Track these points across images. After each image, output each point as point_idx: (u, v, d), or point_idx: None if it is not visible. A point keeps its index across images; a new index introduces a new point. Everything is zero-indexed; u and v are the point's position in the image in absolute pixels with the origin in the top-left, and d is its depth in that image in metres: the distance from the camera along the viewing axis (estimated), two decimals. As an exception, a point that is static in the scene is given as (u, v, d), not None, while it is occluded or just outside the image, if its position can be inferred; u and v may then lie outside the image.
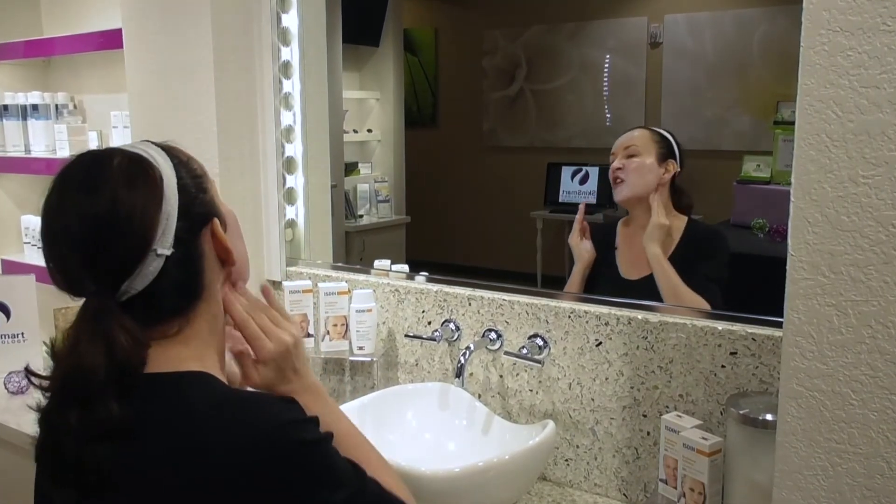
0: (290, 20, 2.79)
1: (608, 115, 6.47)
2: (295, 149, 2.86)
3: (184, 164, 1.36)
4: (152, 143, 1.38)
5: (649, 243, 2.47)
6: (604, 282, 2.61)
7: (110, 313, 1.24)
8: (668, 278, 2.42)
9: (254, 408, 1.25)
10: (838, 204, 1.30)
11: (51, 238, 1.28)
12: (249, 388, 1.45)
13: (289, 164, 2.85)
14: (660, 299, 2.38)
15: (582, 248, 2.66)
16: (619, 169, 2.57)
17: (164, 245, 1.26)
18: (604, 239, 2.67)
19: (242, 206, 2.77)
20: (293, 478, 1.19)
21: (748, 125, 5.64)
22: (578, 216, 2.67)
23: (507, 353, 2.26)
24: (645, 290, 2.48)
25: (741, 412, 1.75)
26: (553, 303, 2.25)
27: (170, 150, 1.37)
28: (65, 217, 1.26)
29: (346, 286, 2.58)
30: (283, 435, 1.21)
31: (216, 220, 1.37)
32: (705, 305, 2.30)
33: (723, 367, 1.98)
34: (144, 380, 1.25)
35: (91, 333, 1.22)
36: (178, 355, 1.30)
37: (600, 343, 2.16)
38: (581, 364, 2.20)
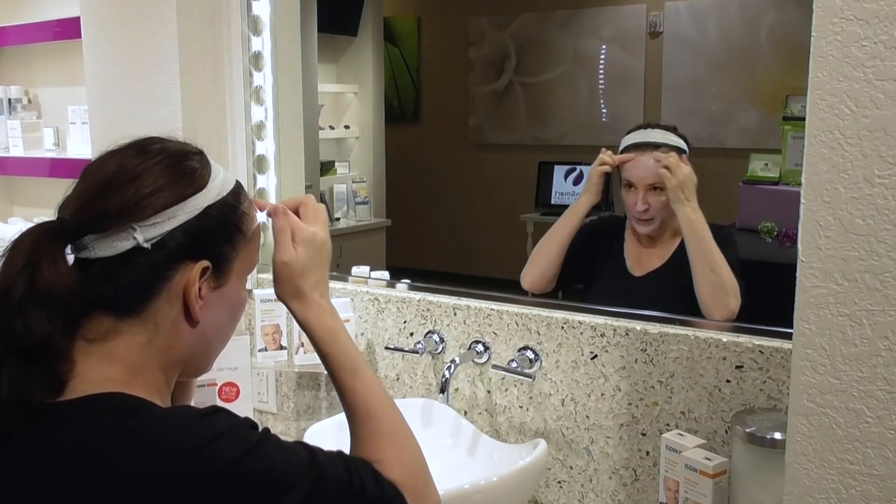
0: (262, 8, 2.78)
1: (604, 111, 6.47)
2: (266, 147, 2.85)
3: (236, 207, 1.39)
4: (238, 181, 1.44)
5: (679, 205, 2.38)
6: (609, 274, 2.61)
7: (55, 240, 1.25)
8: (703, 243, 2.33)
9: (170, 430, 1.19)
10: (852, 206, 1.30)
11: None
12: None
13: (260, 164, 2.84)
14: (666, 295, 2.37)
15: (601, 184, 2.57)
16: (646, 210, 2.51)
17: (145, 234, 1.26)
18: (612, 230, 2.65)
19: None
20: (229, 502, 1.16)
21: (755, 121, 5.66)
22: (625, 158, 2.55)
23: (495, 366, 2.26)
24: (651, 287, 2.49)
25: (747, 430, 1.75)
26: (545, 313, 2.25)
27: (239, 191, 1.42)
28: (109, 158, 1.34)
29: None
30: (207, 458, 1.16)
31: (206, 266, 1.33)
32: (736, 286, 2.29)
33: (728, 381, 1.98)
34: (57, 408, 1.22)
35: (25, 250, 1.24)
36: (101, 376, 1.26)
37: (596, 356, 2.16)
38: (575, 378, 2.20)
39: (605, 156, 2.56)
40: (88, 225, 1.27)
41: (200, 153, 1.40)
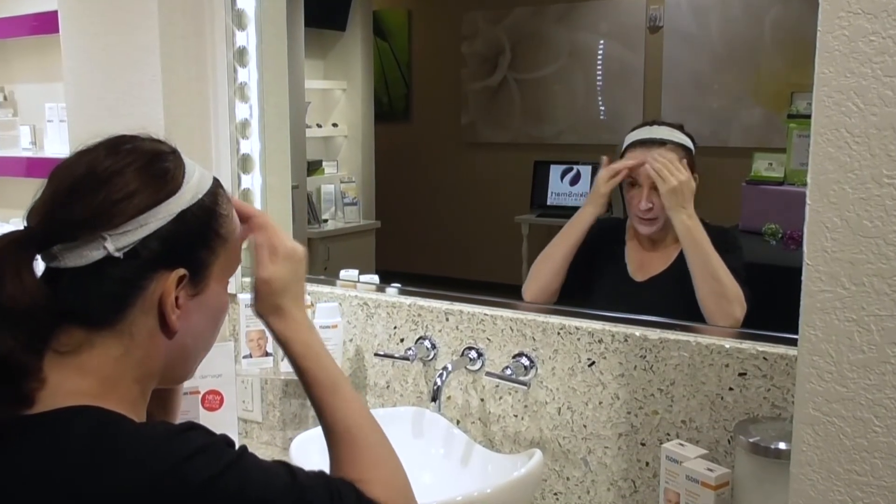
0: (246, 1, 2.77)
1: (602, 108, 6.47)
2: (251, 145, 2.84)
3: (213, 210, 1.37)
4: (216, 180, 1.43)
5: (674, 212, 2.37)
6: (610, 279, 2.60)
7: (20, 251, 1.23)
8: (702, 251, 2.33)
9: (145, 446, 1.18)
10: (860, 207, 1.30)
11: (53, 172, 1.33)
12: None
13: (244, 163, 2.84)
14: (669, 302, 2.37)
15: (609, 196, 2.56)
16: (650, 209, 2.49)
17: (116, 243, 1.24)
18: (612, 234, 2.65)
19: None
20: None
21: (759, 119, 5.66)
22: (630, 163, 2.52)
23: (488, 373, 2.26)
24: (653, 292, 2.49)
25: (751, 440, 1.75)
26: (540, 318, 2.25)
27: (217, 191, 1.40)
28: (78, 159, 1.31)
29: (308, 299, 2.56)
30: (182, 476, 1.15)
31: (182, 274, 1.31)
32: (740, 293, 2.29)
33: (730, 389, 1.98)
34: (27, 421, 1.20)
35: None
36: (73, 388, 1.24)
37: (593, 363, 2.16)
38: (572, 386, 2.20)
39: (618, 164, 2.53)
40: (56, 234, 1.25)
41: (174, 152, 1.37)
